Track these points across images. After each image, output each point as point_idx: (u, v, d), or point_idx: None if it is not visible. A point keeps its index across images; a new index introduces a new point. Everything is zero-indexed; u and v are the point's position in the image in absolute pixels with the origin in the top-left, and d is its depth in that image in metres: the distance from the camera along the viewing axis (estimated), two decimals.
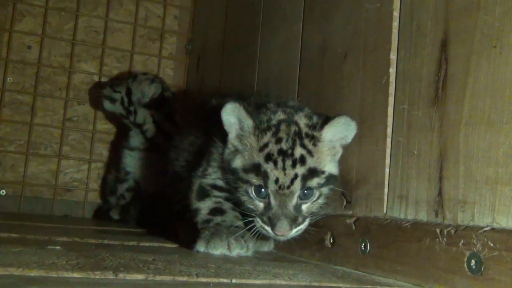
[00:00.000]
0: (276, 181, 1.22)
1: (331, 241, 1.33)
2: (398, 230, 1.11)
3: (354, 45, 1.39)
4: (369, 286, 1.01)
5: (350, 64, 1.39)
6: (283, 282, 0.96)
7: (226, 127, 1.30)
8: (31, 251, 1.05)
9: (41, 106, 2.61)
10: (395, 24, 1.24)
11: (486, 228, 0.92)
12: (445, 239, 0.99)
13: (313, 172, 1.24)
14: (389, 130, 1.22)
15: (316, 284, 0.98)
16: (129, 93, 2.42)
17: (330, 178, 1.27)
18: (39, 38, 2.61)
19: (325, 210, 1.34)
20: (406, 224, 1.10)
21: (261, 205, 1.27)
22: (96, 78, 2.69)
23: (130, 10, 2.79)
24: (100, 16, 2.72)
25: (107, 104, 2.45)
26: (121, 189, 2.44)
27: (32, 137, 2.56)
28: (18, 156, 2.55)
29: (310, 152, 1.24)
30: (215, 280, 0.92)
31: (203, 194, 1.42)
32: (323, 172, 1.25)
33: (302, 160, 1.23)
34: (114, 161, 2.59)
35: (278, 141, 1.24)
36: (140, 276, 0.88)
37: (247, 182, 1.26)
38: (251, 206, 1.28)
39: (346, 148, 1.35)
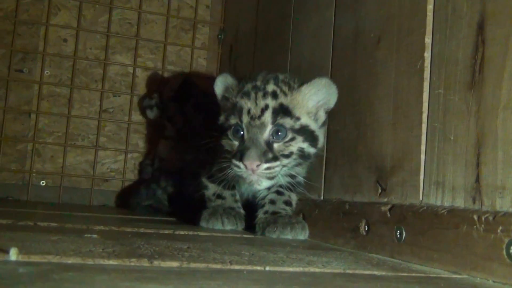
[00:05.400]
0: (248, 111, 1.33)
1: (366, 228, 1.32)
2: (434, 217, 1.09)
3: (387, 29, 1.36)
4: (405, 274, 1.00)
5: (383, 49, 1.37)
6: (316, 270, 0.95)
7: (219, 101, 1.46)
8: (69, 239, 1.07)
9: (77, 98, 2.65)
10: (430, 6, 1.21)
11: None
12: (483, 225, 0.96)
13: (285, 111, 1.33)
14: (425, 115, 1.20)
15: (351, 271, 0.97)
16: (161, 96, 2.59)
17: (306, 131, 1.35)
18: (75, 31, 2.65)
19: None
20: (442, 211, 1.08)
21: (236, 143, 1.37)
22: (130, 70, 2.72)
23: (163, 1, 2.80)
24: (133, 8, 2.75)
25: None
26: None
27: (70, 129, 2.61)
28: (56, 148, 2.60)
29: (283, 92, 1.35)
30: (249, 267, 0.92)
31: (212, 179, 1.64)
32: (298, 118, 1.34)
33: (274, 95, 1.34)
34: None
35: (253, 80, 1.40)
36: (174, 264, 0.89)
37: (228, 127, 1.37)
38: (229, 149, 1.39)
39: (380, 135, 1.33)
